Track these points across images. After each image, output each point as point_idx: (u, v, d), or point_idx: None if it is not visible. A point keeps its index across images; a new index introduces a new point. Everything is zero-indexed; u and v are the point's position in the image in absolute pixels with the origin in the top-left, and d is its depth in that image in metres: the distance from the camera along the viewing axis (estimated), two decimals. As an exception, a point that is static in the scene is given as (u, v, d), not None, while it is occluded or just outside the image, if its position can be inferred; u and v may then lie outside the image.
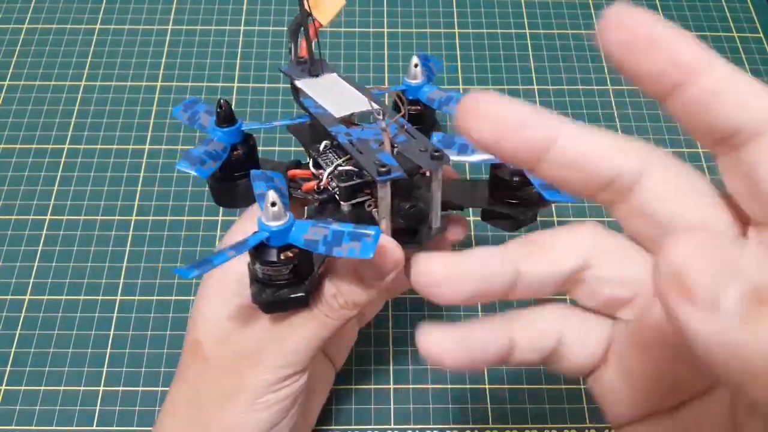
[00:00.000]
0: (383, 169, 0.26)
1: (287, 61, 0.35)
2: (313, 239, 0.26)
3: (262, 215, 0.26)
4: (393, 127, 0.28)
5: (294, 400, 0.29)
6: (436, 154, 0.27)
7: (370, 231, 0.25)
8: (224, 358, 0.29)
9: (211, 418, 0.29)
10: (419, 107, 0.34)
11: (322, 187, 0.30)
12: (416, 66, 0.34)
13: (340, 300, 0.28)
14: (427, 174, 0.28)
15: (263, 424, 0.29)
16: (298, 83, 0.32)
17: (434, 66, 0.37)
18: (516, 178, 0.30)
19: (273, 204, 0.25)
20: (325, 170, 0.30)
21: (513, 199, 0.30)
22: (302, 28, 0.32)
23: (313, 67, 0.33)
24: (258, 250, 0.27)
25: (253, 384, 0.28)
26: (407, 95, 0.35)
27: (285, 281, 0.27)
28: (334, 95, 0.31)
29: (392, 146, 0.28)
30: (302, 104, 0.31)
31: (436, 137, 0.32)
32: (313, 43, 0.32)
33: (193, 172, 0.29)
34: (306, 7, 0.31)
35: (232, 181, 0.32)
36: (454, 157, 0.30)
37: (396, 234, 0.29)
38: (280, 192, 0.28)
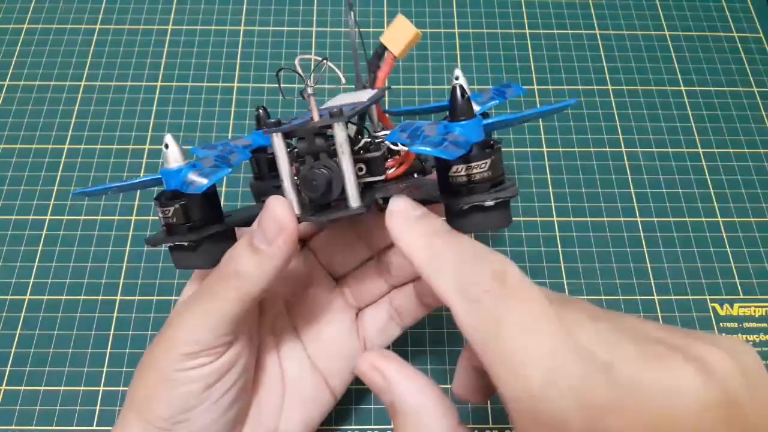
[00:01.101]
0: (271, 121, 0.26)
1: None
2: (189, 181, 0.26)
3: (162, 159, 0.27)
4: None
5: (206, 386, 0.27)
6: (335, 110, 0.26)
7: (220, 170, 0.26)
8: (161, 333, 0.29)
9: (135, 389, 0.28)
10: None
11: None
12: (457, 79, 0.32)
13: (230, 267, 0.27)
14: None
15: (172, 405, 0.27)
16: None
17: (512, 92, 0.34)
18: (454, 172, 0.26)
19: (166, 146, 0.26)
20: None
21: (464, 186, 0.26)
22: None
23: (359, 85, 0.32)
24: (159, 193, 0.28)
25: (161, 359, 0.27)
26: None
27: (180, 227, 0.27)
28: (350, 98, 0.30)
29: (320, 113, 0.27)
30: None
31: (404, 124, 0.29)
32: (387, 75, 0.31)
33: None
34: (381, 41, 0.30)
35: (268, 180, 0.33)
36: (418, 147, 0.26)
37: (314, 209, 0.28)
38: (221, 160, 0.28)
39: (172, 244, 0.28)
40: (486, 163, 0.25)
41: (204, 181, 0.26)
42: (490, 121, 0.27)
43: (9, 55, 0.52)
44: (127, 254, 0.43)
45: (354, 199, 0.27)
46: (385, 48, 0.30)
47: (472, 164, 0.25)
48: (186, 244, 0.27)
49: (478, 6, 0.55)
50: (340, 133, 0.26)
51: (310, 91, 0.27)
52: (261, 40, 0.53)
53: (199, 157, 0.30)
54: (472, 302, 0.22)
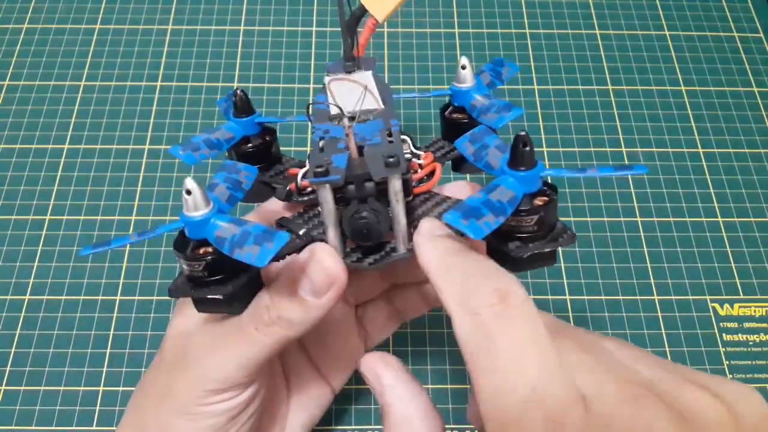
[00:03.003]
0: (319, 170, 0.23)
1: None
2: (223, 236, 0.23)
3: (183, 205, 0.24)
4: (369, 128, 0.26)
5: (230, 418, 0.27)
6: (390, 160, 0.24)
7: (275, 237, 0.22)
8: (171, 355, 0.28)
9: (147, 417, 0.27)
10: (466, 116, 0.31)
11: (302, 189, 0.29)
12: (464, 68, 0.31)
13: (272, 314, 0.25)
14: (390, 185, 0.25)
15: None
16: (327, 79, 0.30)
17: (508, 71, 0.34)
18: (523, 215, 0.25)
19: (188, 192, 0.23)
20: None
21: (516, 233, 0.25)
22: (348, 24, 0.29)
23: (351, 64, 0.30)
24: (180, 242, 0.25)
25: (183, 391, 0.26)
26: (453, 102, 0.32)
27: (207, 279, 0.25)
28: (350, 93, 0.29)
29: (359, 149, 0.26)
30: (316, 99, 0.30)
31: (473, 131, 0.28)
32: (366, 42, 0.30)
33: (181, 158, 0.28)
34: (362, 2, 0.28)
35: None
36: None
37: (355, 252, 0.26)
38: (234, 185, 0.26)
39: (204, 298, 0.25)
40: (533, 219, 0.25)
41: (264, 255, 0.22)
42: (551, 172, 0.26)
43: (9, 55, 0.52)
44: (126, 254, 0.43)
45: (402, 244, 0.26)
46: (365, 10, 0.28)
47: (521, 218, 0.25)
48: (221, 297, 0.25)
49: (478, 6, 0.55)
50: (397, 183, 0.25)
51: (346, 123, 0.25)
52: (261, 39, 0.53)
53: (214, 184, 0.27)
54: (472, 315, 0.22)
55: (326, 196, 0.25)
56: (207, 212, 0.24)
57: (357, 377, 0.39)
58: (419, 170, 0.29)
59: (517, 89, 0.50)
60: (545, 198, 0.25)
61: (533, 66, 0.52)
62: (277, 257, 0.25)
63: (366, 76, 0.29)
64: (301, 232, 0.27)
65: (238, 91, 0.30)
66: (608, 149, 0.48)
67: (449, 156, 0.32)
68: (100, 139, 0.48)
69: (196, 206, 0.23)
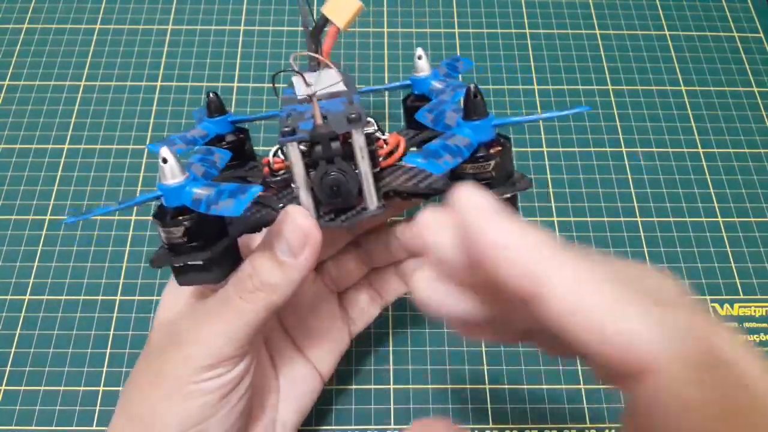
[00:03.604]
0: (287, 130, 0.25)
1: (288, 62, 0.35)
2: (199, 198, 0.24)
3: (159, 174, 0.25)
4: (326, 104, 0.27)
5: (221, 396, 0.27)
6: (353, 116, 0.25)
7: (249, 189, 0.24)
8: (158, 341, 0.28)
9: (138, 404, 0.27)
10: (424, 102, 0.33)
11: (276, 171, 0.30)
12: (420, 58, 0.33)
13: (255, 280, 0.26)
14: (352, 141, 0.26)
15: (186, 418, 0.26)
16: (294, 78, 0.32)
17: (462, 65, 0.36)
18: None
19: (164, 161, 0.25)
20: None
21: (478, 181, 0.27)
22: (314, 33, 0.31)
23: (313, 62, 0.32)
24: (158, 211, 0.26)
25: (173, 372, 0.26)
26: (414, 91, 0.34)
27: (185, 246, 0.26)
28: (316, 84, 0.30)
29: (324, 118, 0.27)
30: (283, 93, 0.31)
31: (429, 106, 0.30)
32: (330, 49, 0.31)
33: (157, 151, 0.29)
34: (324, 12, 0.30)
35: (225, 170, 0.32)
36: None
37: (328, 214, 0.27)
38: (209, 164, 0.27)
39: (182, 264, 0.26)
40: (490, 164, 0.27)
41: (239, 205, 0.23)
42: (501, 121, 0.28)
43: (9, 55, 0.52)
44: (126, 254, 0.43)
45: (372, 201, 0.27)
46: (327, 20, 0.30)
47: (478, 164, 0.27)
48: (201, 263, 0.26)
49: (478, 6, 0.55)
50: (360, 138, 0.26)
51: (311, 92, 0.27)
52: (261, 39, 0.53)
53: (189, 163, 0.29)
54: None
55: (295, 154, 0.26)
56: (183, 180, 0.25)
57: (357, 377, 0.39)
58: (384, 147, 0.30)
59: (517, 89, 0.50)
60: (500, 147, 0.27)
61: (533, 66, 0.52)
62: (258, 225, 0.27)
63: (329, 72, 0.31)
64: (278, 207, 0.28)
65: (211, 94, 0.32)
66: (608, 149, 0.48)
67: (414, 140, 0.34)
68: (100, 139, 0.48)
69: (173, 174, 0.25)
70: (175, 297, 0.30)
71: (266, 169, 0.30)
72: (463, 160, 0.26)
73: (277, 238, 0.26)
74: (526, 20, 0.55)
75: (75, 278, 0.42)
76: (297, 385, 0.33)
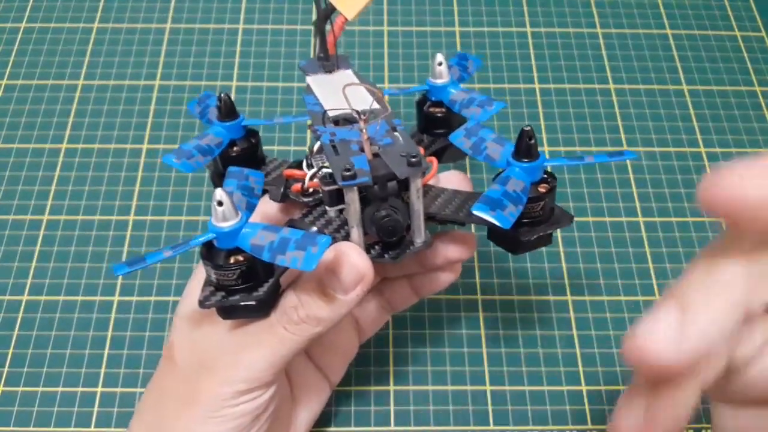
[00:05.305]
0: (347, 173, 0.24)
1: (297, 59, 0.34)
2: (260, 244, 0.24)
3: (212, 215, 0.24)
4: (375, 128, 0.27)
5: (255, 417, 0.27)
6: (413, 160, 0.25)
7: (318, 241, 0.23)
8: (188, 364, 0.28)
9: (169, 425, 0.27)
10: (443, 109, 0.33)
11: (307, 190, 0.29)
12: (440, 65, 0.32)
13: (301, 313, 0.26)
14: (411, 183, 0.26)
15: None
16: (309, 79, 0.31)
17: (472, 65, 0.35)
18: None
19: (220, 203, 0.24)
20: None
21: (524, 218, 0.27)
22: (325, 24, 0.30)
23: (328, 63, 0.31)
24: (208, 252, 0.25)
25: (208, 395, 0.27)
26: (430, 96, 0.33)
27: (237, 287, 0.25)
28: (338, 93, 0.29)
29: (373, 150, 0.26)
30: (304, 100, 0.30)
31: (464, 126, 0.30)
32: (336, 40, 0.30)
33: (177, 166, 0.28)
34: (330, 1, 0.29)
35: None
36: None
37: (374, 247, 0.27)
38: (248, 192, 0.27)
39: (236, 305, 0.26)
40: (539, 205, 0.28)
41: (311, 260, 0.23)
42: (553, 162, 0.28)
43: (6, 53, 0.51)
44: (125, 254, 0.43)
45: (420, 235, 0.27)
46: (333, 8, 0.28)
47: (530, 205, 0.27)
48: (254, 303, 0.26)
49: (479, 4, 0.55)
50: (419, 181, 0.26)
51: (362, 127, 0.26)
52: (260, 38, 0.53)
53: (230, 192, 0.28)
54: None
55: (353, 198, 0.26)
56: (237, 222, 0.24)
57: (357, 378, 0.39)
58: None
59: (518, 88, 0.50)
60: (547, 185, 0.28)
61: (534, 64, 0.52)
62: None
63: (347, 75, 0.30)
64: (312, 231, 0.28)
65: (223, 95, 0.30)
66: (610, 148, 0.48)
67: (431, 148, 0.33)
68: (98, 138, 0.47)
69: (226, 216, 0.24)
70: (202, 314, 0.29)
71: (297, 186, 0.29)
72: (522, 207, 0.26)
73: (329, 276, 0.26)
74: (527, 18, 0.54)
75: (73, 279, 0.42)
76: (309, 394, 0.34)
